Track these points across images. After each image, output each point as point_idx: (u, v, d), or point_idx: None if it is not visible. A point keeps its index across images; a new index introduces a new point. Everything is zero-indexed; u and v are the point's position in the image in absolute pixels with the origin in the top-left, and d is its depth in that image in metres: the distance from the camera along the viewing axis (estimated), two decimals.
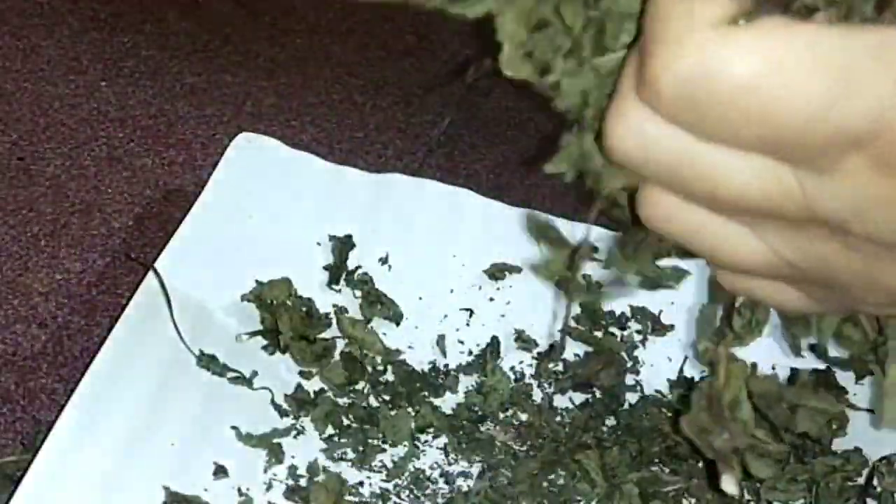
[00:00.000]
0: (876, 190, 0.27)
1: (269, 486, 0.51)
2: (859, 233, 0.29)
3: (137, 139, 0.69)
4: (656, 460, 0.53)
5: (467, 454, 0.53)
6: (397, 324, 0.59)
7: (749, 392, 0.36)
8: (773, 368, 0.58)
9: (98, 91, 0.72)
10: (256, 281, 0.58)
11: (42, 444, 0.48)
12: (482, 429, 0.54)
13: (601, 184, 0.33)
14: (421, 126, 0.71)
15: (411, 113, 0.72)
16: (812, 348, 0.55)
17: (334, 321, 0.58)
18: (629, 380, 0.58)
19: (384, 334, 0.58)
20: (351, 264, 0.60)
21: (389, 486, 0.51)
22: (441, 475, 0.52)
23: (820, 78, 0.26)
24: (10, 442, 0.53)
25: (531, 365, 0.58)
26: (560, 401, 0.56)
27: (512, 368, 0.57)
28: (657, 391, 0.57)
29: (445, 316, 0.60)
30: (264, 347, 0.56)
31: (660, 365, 0.59)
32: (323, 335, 0.57)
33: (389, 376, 0.56)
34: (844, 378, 0.56)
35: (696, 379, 0.58)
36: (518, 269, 0.61)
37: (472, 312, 0.60)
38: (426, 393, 0.55)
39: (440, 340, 0.58)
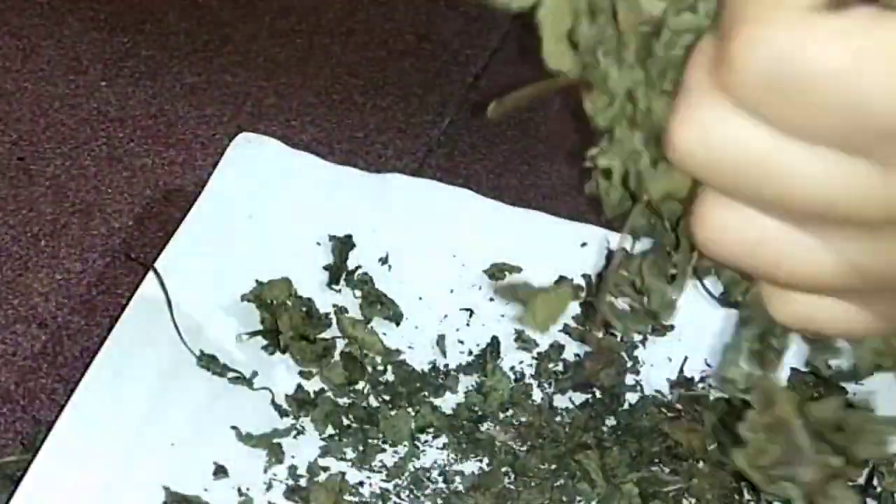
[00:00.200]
0: None
1: (269, 486, 0.51)
2: None
3: (137, 139, 0.69)
4: (656, 460, 0.53)
5: (467, 454, 0.53)
6: (397, 324, 0.59)
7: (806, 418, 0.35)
8: None
9: (98, 91, 0.72)
10: (256, 281, 0.58)
11: (42, 444, 0.48)
12: (482, 429, 0.54)
13: (644, 186, 0.32)
14: (421, 126, 0.71)
15: (411, 113, 0.72)
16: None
17: (334, 321, 0.58)
18: (629, 380, 0.58)
19: (384, 334, 0.58)
20: (351, 264, 0.60)
21: (389, 486, 0.51)
22: (441, 475, 0.52)
23: None
24: (10, 442, 0.53)
25: (531, 365, 0.58)
26: (560, 401, 0.56)
27: (512, 368, 0.57)
28: (657, 391, 0.57)
29: (445, 316, 0.60)
30: (264, 347, 0.56)
31: (660, 365, 0.59)
32: (323, 335, 0.57)
33: (389, 376, 0.56)
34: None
35: (697, 379, 0.58)
36: (518, 269, 0.61)
37: (472, 312, 0.60)
38: (426, 393, 0.55)
39: (440, 340, 0.58)
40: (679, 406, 0.56)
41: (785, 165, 0.27)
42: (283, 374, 0.55)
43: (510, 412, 0.55)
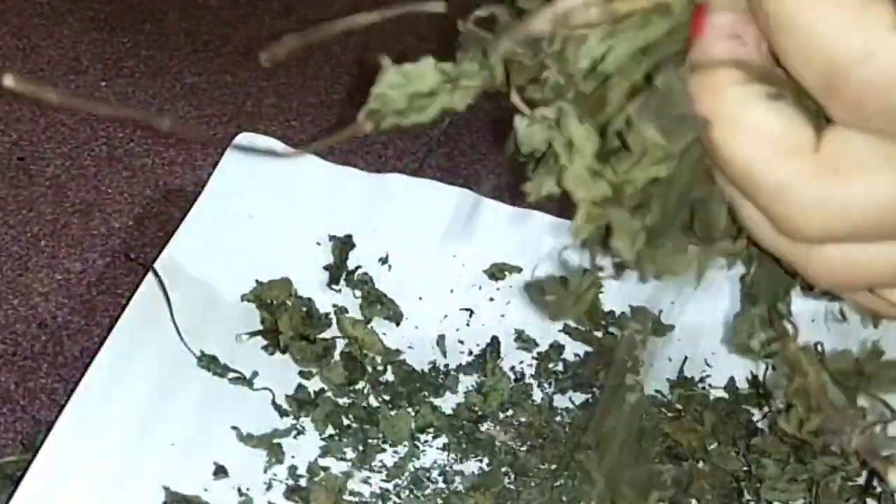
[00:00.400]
0: None
1: (269, 486, 0.51)
2: None
3: (137, 139, 0.69)
4: (656, 460, 0.53)
5: (467, 454, 0.53)
6: (397, 324, 0.59)
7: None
8: (774, 368, 0.58)
9: (98, 91, 0.72)
10: (256, 281, 0.58)
11: (42, 444, 0.48)
12: (482, 429, 0.54)
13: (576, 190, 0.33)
14: (421, 126, 0.71)
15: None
16: None
17: (334, 321, 0.58)
18: (629, 380, 0.58)
19: (384, 334, 0.58)
20: (351, 264, 0.60)
21: (389, 486, 0.51)
22: (441, 475, 0.52)
23: None
24: (10, 442, 0.53)
25: (531, 365, 0.58)
26: (560, 401, 0.56)
27: (512, 368, 0.57)
28: (657, 391, 0.57)
29: (445, 316, 0.60)
30: (264, 347, 0.56)
31: (660, 365, 0.59)
32: (323, 335, 0.57)
33: (389, 376, 0.56)
34: None
35: (696, 379, 0.58)
36: (518, 269, 0.61)
37: (472, 312, 0.60)
38: (426, 393, 0.55)
39: (440, 340, 0.58)
40: (679, 406, 0.56)
41: None
42: (283, 374, 0.55)
43: (510, 412, 0.55)
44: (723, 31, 0.32)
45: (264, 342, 0.56)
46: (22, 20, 0.76)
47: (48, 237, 0.62)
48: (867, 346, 0.39)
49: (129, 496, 0.48)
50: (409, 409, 0.54)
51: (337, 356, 0.56)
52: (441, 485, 0.52)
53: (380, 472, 0.52)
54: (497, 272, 0.61)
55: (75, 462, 0.48)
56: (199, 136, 0.59)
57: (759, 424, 0.56)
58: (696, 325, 0.60)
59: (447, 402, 0.55)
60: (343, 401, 0.55)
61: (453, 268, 0.61)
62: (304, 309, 0.58)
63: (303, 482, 0.51)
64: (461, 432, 0.54)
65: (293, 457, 0.52)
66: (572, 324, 0.59)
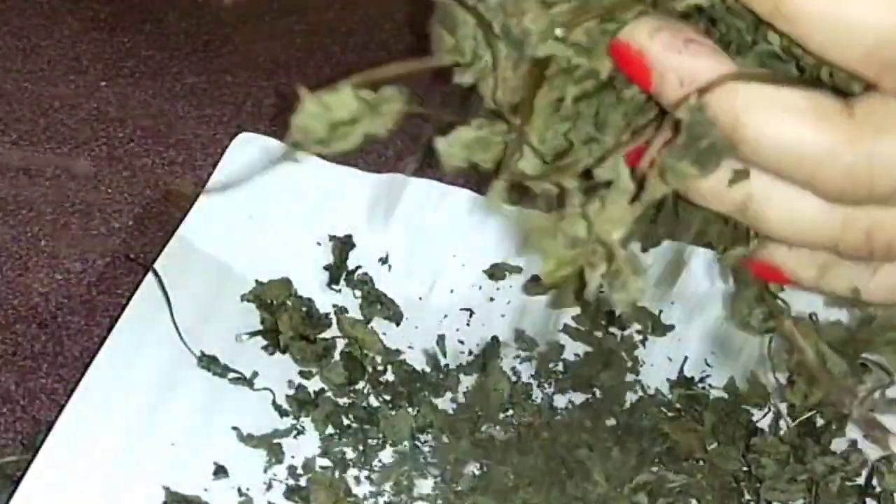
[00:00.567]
0: None
1: (269, 486, 0.51)
2: None
3: (137, 139, 0.69)
4: (656, 460, 0.53)
5: (467, 454, 0.53)
6: (397, 324, 0.59)
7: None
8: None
9: (98, 91, 0.72)
10: (256, 281, 0.58)
11: (42, 444, 0.48)
12: (482, 429, 0.54)
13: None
14: (421, 126, 0.71)
15: (411, 113, 0.72)
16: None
17: (334, 321, 0.58)
18: (629, 380, 0.58)
19: (384, 334, 0.58)
20: (351, 264, 0.60)
21: (389, 486, 0.51)
22: (441, 475, 0.52)
23: None
24: (10, 442, 0.53)
25: (531, 365, 0.58)
26: (560, 401, 0.56)
27: (512, 368, 0.57)
28: (657, 391, 0.57)
29: (445, 316, 0.60)
30: (264, 347, 0.56)
31: (660, 365, 0.59)
32: (323, 335, 0.57)
33: (389, 376, 0.56)
34: None
35: (697, 379, 0.58)
36: (518, 269, 0.61)
37: (472, 312, 0.60)
38: (426, 393, 0.55)
39: (440, 340, 0.58)
40: (679, 406, 0.56)
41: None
42: (283, 374, 0.55)
43: (510, 412, 0.55)
44: (670, 54, 0.33)
45: (264, 342, 0.56)
46: (22, 20, 0.76)
47: (48, 237, 0.62)
48: (857, 314, 0.40)
49: (129, 496, 0.48)
50: (410, 409, 0.54)
51: (337, 356, 0.56)
52: (441, 485, 0.52)
53: (380, 472, 0.52)
54: (497, 272, 0.61)
55: (75, 462, 0.48)
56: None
57: (759, 424, 0.56)
58: (697, 325, 0.60)
59: (447, 402, 0.55)
60: (343, 401, 0.55)
61: (453, 268, 0.61)
62: (304, 309, 0.58)
63: (303, 482, 0.51)
64: (461, 432, 0.54)
65: (293, 457, 0.52)
66: (572, 324, 0.59)
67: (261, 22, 0.79)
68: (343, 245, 0.61)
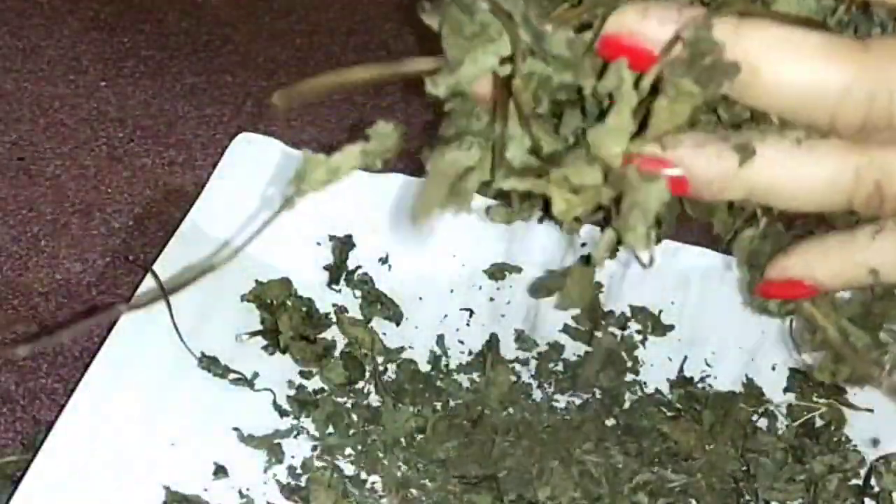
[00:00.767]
0: None
1: (270, 486, 0.51)
2: None
3: (137, 139, 0.69)
4: (656, 460, 0.53)
5: (467, 454, 0.53)
6: (397, 324, 0.59)
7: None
8: (774, 368, 0.59)
9: (98, 91, 0.72)
10: (256, 281, 0.58)
11: (42, 444, 0.48)
12: (482, 428, 0.54)
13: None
14: (421, 126, 0.71)
15: (411, 113, 0.72)
16: None
17: (334, 321, 0.58)
18: (629, 379, 0.58)
19: (384, 334, 0.58)
20: (351, 264, 0.60)
21: (389, 485, 0.51)
22: (441, 475, 0.52)
23: None
24: (10, 442, 0.53)
25: (531, 365, 0.58)
26: (560, 401, 0.56)
27: (512, 368, 0.57)
28: (657, 391, 0.57)
29: (445, 316, 0.60)
30: (264, 347, 0.56)
31: (660, 365, 0.59)
32: (323, 335, 0.57)
33: (390, 375, 0.56)
34: None
35: (696, 379, 0.58)
36: (518, 269, 0.61)
37: (472, 312, 0.60)
38: (427, 392, 0.55)
39: (440, 340, 0.58)
40: (679, 406, 0.56)
41: None
42: (283, 374, 0.55)
43: (510, 411, 0.55)
44: (668, 26, 0.33)
45: (264, 342, 0.56)
46: (22, 20, 0.76)
47: (48, 237, 0.62)
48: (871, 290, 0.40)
49: (129, 496, 0.48)
50: (410, 408, 0.54)
51: (337, 356, 0.56)
52: (440, 484, 0.52)
53: (379, 471, 0.52)
54: (497, 272, 0.61)
55: (75, 462, 0.48)
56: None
57: (758, 424, 0.56)
58: (696, 325, 0.60)
59: (447, 402, 0.55)
60: (344, 400, 0.55)
61: (453, 268, 0.61)
62: (304, 309, 0.58)
63: (302, 482, 0.51)
64: (461, 431, 0.54)
65: (293, 457, 0.52)
66: (572, 324, 0.60)
67: (261, 22, 0.79)
68: (343, 245, 0.61)
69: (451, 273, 0.61)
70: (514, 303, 0.60)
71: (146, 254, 0.60)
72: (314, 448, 0.52)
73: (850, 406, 0.56)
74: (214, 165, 0.62)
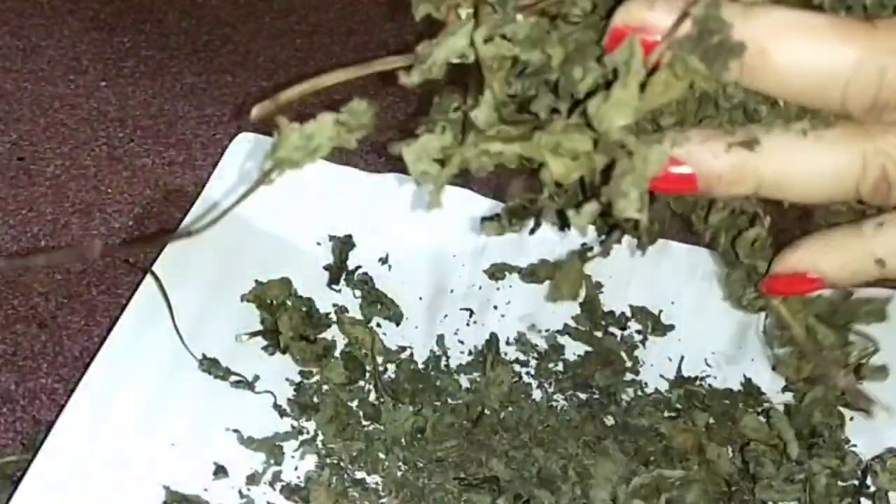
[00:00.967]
0: None
1: (270, 486, 0.51)
2: None
3: (137, 139, 0.69)
4: (652, 459, 0.53)
5: (467, 454, 0.53)
6: (397, 324, 0.59)
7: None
8: (773, 368, 0.59)
9: (98, 91, 0.72)
10: (256, 281, 0.58)
11: (42, 444, 0.48)
12: (482, 428, 0.54)
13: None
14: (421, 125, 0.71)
15: (411, 113, 0.72)
16: None
17: (334, 321, 0.58)
18: (628, 379, 0.58)
19: (384, 334, 0.58)
20: (351, 264, 0.60)
21: (389, 485, 0.51)
22: (440, 474, 0.52)
23: None
24: (10, 442, 0.53)
25: (531, 365, 0.58)
26: (560, 401, 0.56)
27: (512, 368, 0.57)
28: (657, 391, 0.57)
29: (445, 316, 0.60)
30: (264, 348, 0.56)
31: (660, 365, 0.59)
32: (323, 335, 0.57)
33: (390, 375, 0.56)
34: None
35: (696, 379, 0.58)
36: (518, 269, 0.61)
37: (472, 312, 0.60)
38: (427, 392, 0.55)
39: (440, 340, 0.58)
40: (678, 406, 0.56)
41: None
42: (283, 374, 0.55)
43: (510, 411, 0.55)
44: (675, 15, 0.33)
45: (264, 342, 0.56)
46: (22, 20, 0.76)
47: (48, 237, 0.62)
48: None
49: (129, 496, 0.48)
50: (411, 408, 0.54)
51: (337, 356, 0.56)
52: (440, 483, 0.52)
53: (379, 471, 0.52)
54: (497, 272, 0.61)
55: (75, 462, 0.48)
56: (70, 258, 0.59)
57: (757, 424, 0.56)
58: (696, 325, 0.60)
59: (447, 402, 0.55)
60: (343, 400, 0.55)
61: (453, 268, 0.61)
62: (304, 309, 0.58)
63: (303, 482, 0.51)
64: (461, 431, 0.54)
65: (293, 457, 0.52)
66: (572, 324, 0.60)
67: (261, 22, 0.79)
68: (343, 245, 0.61)
69: (451, 273, 0.61)
70: (514, 303, 0.60)
71: (146, 254, 0.60)
72: (314, 448, 0.52)
73: (848, 406, 0.56)
74: (214, 165, 0.62)
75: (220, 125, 0.70)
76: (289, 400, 0.54)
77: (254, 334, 0.56)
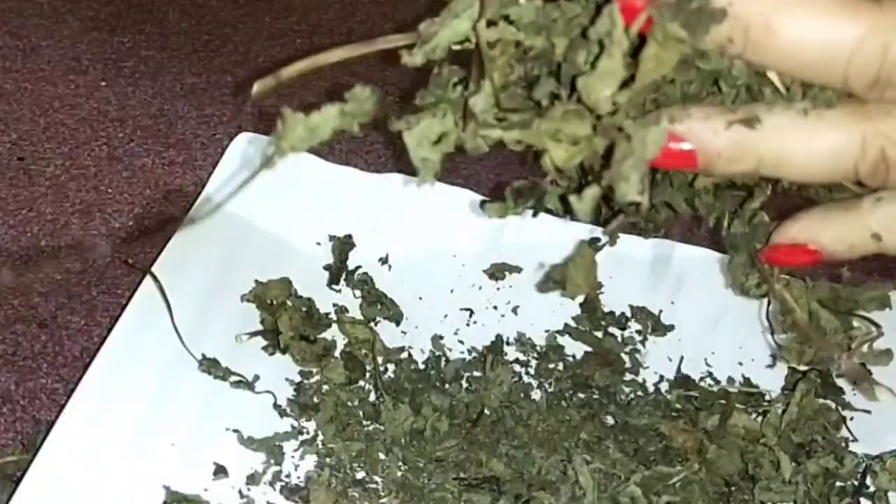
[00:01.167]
0: None
1: (270, 486, 0.51)
2: None
3: (137, 139, 0.69)
4: (652, 458, 0.53)
5: (467, 454, 0.53)
6: (397, 324, 0.59)
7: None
8: (772, 368, 0.59)
9: (98, 91, 0.72)
10: (256, 281, 0.58)
11: (42, 444, 0.48)
12: (482, 428, 0.54)
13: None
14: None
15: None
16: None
17: (334, 321, 0.58)
18: (628, 379, 0.58)
19: (384, 334, 0.58)
20: (351, 264, 0.60)
21: (389, 485, 0.51)
22: (440, 474, 0.52)
23: None
24: (10, 442, 0.53)
25: (531, 365, 0.58)
26: (560, 401, 0.56)
27: (512, 368, 0.57)
28: (657, 391, 0.57)
29: (445, 316, 0.60)
30: (264, 348, 0.56)
31: (660, 365, 0.59)
32: (323, 335, 0.57)
33: (390, 375, 0.56)
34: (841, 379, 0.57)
35: (696, 379, 0.58)
36: (518, 269, 0.61)
37: (472, 312, 0.60)
38: (427, 392, 0.55)
39: (440, 340, 0.58)
40: (678, 406, 0.56)
41: None
42: (283, 374, 0.55)
43: (510, 410, 0.55)
44: None
45: (264, 342, 0.56)
46: (22, 20, 0.76)
47: (48, 237, 0.62)
48: (843, 275, 0.41)
49: (129, 496, 0.48)
50: (411, 408, 0.54)
51: (337, 356, 0.56)
52: (440, 483, 0.52)
53: (379, 471, 0.52)
54: (497, 272, 0.61)
55: (75, 462, 0.48)
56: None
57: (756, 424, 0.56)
58: (696, 325, 0.60)
59: (447, 402, 0.55)
60: (344, 400, 0.55)
61: (453, 268, 0.61)
62: (304, 309, 0.58)
63: (303, 482, 0.51)
64: (461, 430, 0.54)
65: (293, 457, 0.52)
66: (572, 324, 0.60)
67: (261, 22, 0.79)
68: (343, 245, 0.61)
69: (451, 273, 0.61)
70: (514, 303, 0.60)
71: (146, 254, 0.60)
72: (314, 448, 0.52)
73: (848, 407, 0.56)
74: (214, 165, 0.62)
75: (220, 125, 0.70)
76: (289, 400, 0.54)
77: (254, 334, 0.56)
